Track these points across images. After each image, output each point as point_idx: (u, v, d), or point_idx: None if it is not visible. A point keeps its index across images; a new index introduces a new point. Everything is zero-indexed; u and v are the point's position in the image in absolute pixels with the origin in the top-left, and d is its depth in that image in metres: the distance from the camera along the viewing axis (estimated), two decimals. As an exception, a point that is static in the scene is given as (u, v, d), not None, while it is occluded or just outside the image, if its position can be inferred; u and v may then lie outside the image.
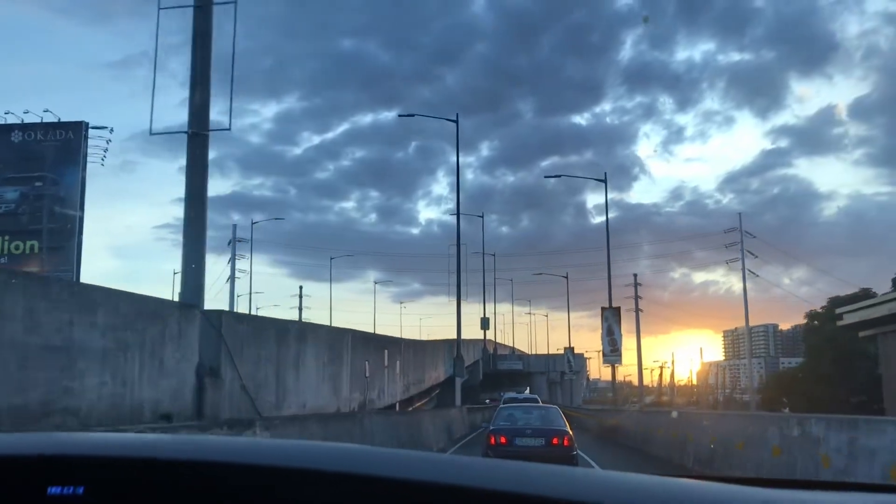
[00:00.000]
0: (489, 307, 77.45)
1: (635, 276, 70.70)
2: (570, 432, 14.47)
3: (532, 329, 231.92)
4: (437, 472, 1.03)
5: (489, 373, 75.40)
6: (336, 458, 1.08)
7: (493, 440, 14.16)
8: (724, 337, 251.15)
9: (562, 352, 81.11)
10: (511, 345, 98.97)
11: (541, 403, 24.62)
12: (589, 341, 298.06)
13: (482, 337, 72.28)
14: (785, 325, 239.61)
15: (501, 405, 21.38)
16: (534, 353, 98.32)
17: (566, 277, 71.99)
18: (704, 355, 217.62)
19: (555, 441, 13.98)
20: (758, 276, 59.99)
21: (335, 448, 1.14)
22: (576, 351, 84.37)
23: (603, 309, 42.63)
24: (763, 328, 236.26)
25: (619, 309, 43.50)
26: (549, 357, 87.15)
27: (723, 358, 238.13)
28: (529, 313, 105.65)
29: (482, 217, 64.67)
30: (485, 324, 60.41)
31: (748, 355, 68.68)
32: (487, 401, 63.53)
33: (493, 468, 1.08)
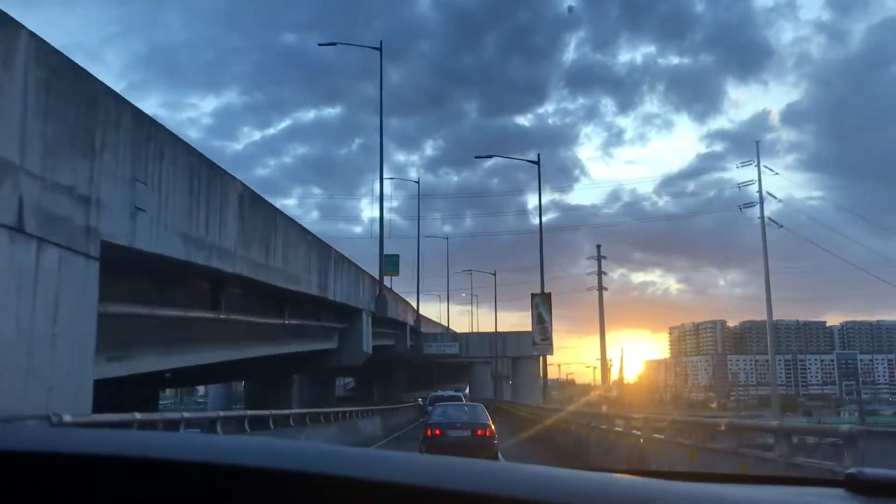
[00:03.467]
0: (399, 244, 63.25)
1: (598, 247, 60.42)
2: (492, 425, 17.41)
3: (473, 318, 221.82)
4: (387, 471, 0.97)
5: (408, 358, 59.65)
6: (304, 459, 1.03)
7: (429, 432, 16.85)
8: (669, 333, 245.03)
9: (516, 329, 64.74)
10: (445, 325, 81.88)
11: (465, 402, 29.22)
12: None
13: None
14: (732, 322, 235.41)
15: (430, 404, 26.31)
16: (475, 331, 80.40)
17: (536, 163, 53.89)
18: (649, 353, 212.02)
19: (479, 433, 16.83)
20: (781, 226, 49.35)
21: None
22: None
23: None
24: (711, 324, 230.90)
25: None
26: (496, 337, 65.83)
27: (669, 355, 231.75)
28: (468, 271, 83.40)
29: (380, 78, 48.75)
30: (391, 263, 45.38)
31: (770, 340, 55.20)
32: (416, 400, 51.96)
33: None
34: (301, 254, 20.77)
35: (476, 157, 36.69)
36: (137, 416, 11.00)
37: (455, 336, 68.38)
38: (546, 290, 40.12)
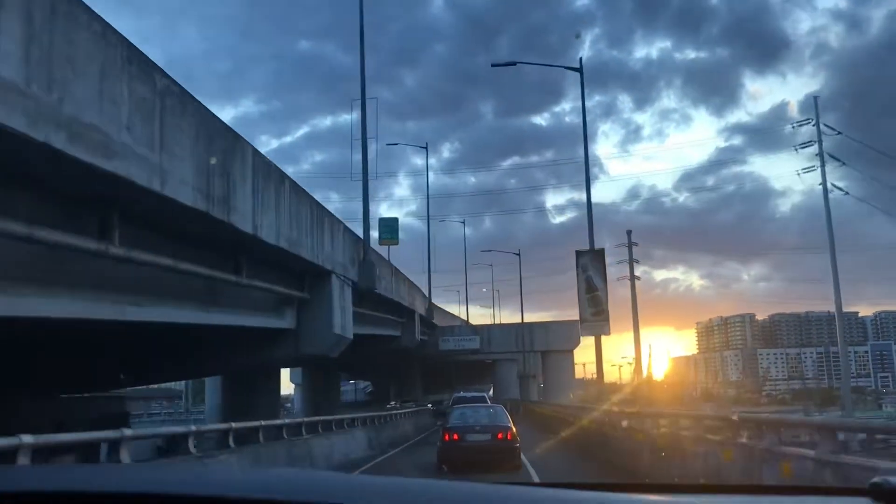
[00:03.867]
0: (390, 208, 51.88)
1: (629, 232, 53.08)
2: (514, 428, 16.17)
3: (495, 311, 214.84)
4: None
5: (423, 355, 51.21)
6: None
7: (447, 437, 15.75)
8: (697, 328, 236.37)
9: (550, 319, 55.66)
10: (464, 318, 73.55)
11: (489, 403, 25.74)
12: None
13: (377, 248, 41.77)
14: (761, 315, 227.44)
15: (454, 405, 23.48)
16: (497, 321, 71.96)
17: (579, 69, 45.31)
18: (674, 350, 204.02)
19: (500, 436, 15.64)
20: (846, 192, 41.04)
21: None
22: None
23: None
24: (739, 318, 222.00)
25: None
26: (522, 329, 56.06)
27: (696, 351, 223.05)
28: (488, 251, 74.45)
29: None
30: (387, 228, 35.77)
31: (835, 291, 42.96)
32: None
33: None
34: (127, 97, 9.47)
35: (493, 66, 27.22)
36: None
37: (475, 329, 58.87)
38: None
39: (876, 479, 1.29)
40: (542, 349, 55.86)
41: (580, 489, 1.19)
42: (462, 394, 36.39)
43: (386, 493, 1.01)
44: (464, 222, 68.49)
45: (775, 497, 1.60)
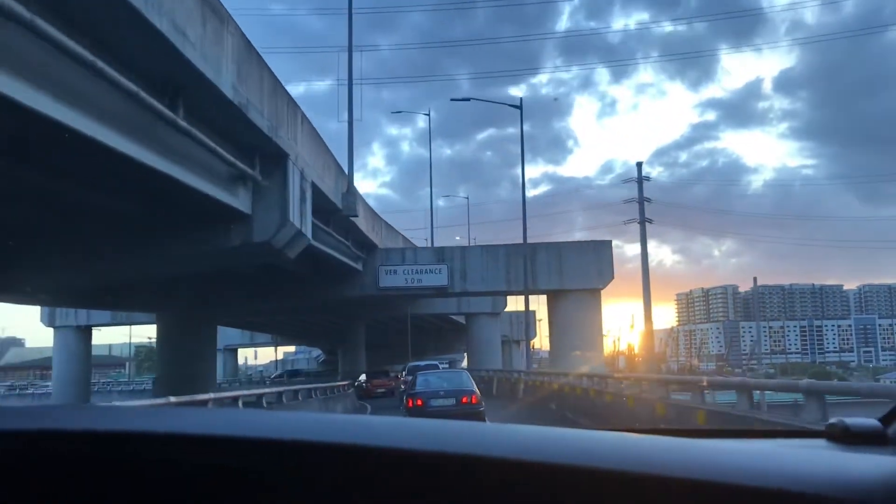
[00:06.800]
0: None
1: (639, 164, 44.72)
2: (478, 391, 16.46)
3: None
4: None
5: (353, 300, 36.66)
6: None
7: (410, 403, 16.21)
8: (676, 300, 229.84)
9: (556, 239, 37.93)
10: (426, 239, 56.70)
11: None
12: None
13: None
14: (744, 287, 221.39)
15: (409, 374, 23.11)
16: (476, 243, 49.46)
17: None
18: (655, 322, 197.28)
19: (464, 400, 15.92)
20: None
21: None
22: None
23: None
24: (722, 290, 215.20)
25: None
26: (524, 252, 33.46)
27: (676, 323, 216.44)
28: (463, 101, 61.68)
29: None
30: None
31: None
32: None
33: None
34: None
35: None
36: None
37: (440, 254, 36.47)
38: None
39: (832, 421, 1.35)
40: (550, 287, 35.31)
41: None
42: (416, 363, 32.29)
43: (421, 432, 0.97)
44: (429, 113, 56.94)
45: (734, 440, 1.62)
